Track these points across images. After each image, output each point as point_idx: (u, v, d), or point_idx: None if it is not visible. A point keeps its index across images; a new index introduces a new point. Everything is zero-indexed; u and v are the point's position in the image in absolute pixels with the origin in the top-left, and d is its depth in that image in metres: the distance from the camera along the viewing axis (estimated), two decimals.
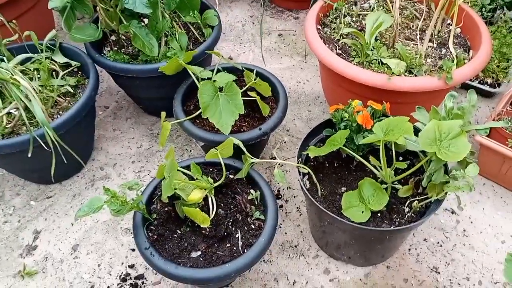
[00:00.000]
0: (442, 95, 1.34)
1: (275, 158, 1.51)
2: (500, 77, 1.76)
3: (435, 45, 1.45)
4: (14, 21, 1.51)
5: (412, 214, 1.14)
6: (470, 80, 1.78)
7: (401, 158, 1.28)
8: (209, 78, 1.32)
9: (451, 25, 1.50)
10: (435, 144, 1.03)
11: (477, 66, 1.30)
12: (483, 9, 1.84)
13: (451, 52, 1.38)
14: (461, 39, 1.49)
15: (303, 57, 2.03)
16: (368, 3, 1.60)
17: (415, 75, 1.31)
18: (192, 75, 1.38)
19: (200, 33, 1.65)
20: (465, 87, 1.81)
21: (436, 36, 1.48)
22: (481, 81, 1.79)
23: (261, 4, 2.33)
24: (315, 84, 1.90)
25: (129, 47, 1.62)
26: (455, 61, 1.33)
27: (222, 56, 1.42)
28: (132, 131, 1.74)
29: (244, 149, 1.16)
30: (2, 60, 1.42)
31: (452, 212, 1.44)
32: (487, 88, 1.76)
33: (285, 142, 1.68)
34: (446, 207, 1.46)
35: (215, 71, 1.39)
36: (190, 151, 1.65)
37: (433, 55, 1.41)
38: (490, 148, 1.37)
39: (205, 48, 1.51)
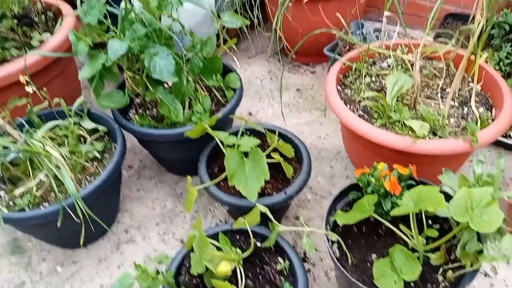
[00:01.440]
0: (467, 155, 1.33)
1: (298, 218, 1.50)
2: None
3: (456, 104, 1.46)
4: (44, 88, 1.58)
5: (447, 284, 1.11)
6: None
7: (430, 222, 1.26)
8: (234, 145, 1.34)
9: (472, 83, 1.52)
10: (467, 214, 1.01)
11: (501, 127, 1.30)
12: (501, 63, 1.86)
13: (473, 111, 1.38)
14: (482, 97, 1.50)
15: (322, 111, 2.06)
16: (387, 62, 1.63)
17: (439, 137, 1.31)
18: (217, 140, 1.40)
19: (222, 94, 1.69)
20: (501, 145, 1.80)
21: (457, 95, 1.49)
22: (505, 135, 1.77)
23: (279, 60, 2.39)
24: (335, 139, 1.91)
25: (153, 109, 1.67)
26: (479, 121, 1.33)
27: (246, 121, 1.45)
28: (156, 191, 1.75)
29: (271, 217, 1.16)
30: (33, 126, 1.48)
31: (485, 275, 1.40)
32: (510, 141, 1.75)
33: (308, 201, 1.67)
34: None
35: (239, 134, 1.41)
36: (214, 211, 1.65)
37: (456, 114, 1.41)
38: None
39: (228, 111, 1.55)
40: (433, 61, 1.57)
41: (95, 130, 1.57)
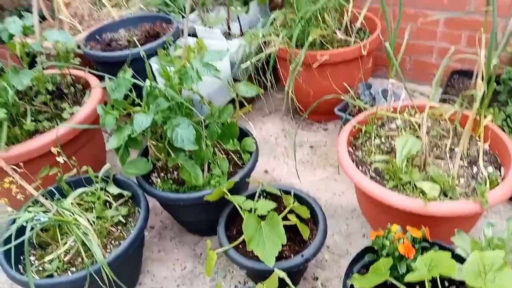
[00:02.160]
0: (480, 215, 1.36)
1: (317, 279, 1.53)
2: None
3: (466, 164, 1.51)
4: (73, 157, 1.69)
5: None
6: None
7: (447, 284, 1.28)
8: (251, 209, 1.40)
9: (479, 142, 1.58)
10: (480, 278, 1.03)
11: (511, 187, 1.34)
12: (508, 119, 1.92)
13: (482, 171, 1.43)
14: (490, 156, 1.55)
15: (336, 168, 2.12)
16: (395, 123, 1.71)
17: (450, 198, 1.36)
18: (235, 203, 1.47)
19: (239, 157, 1.78)
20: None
21: (465, 155, 1.54)
22: None
23: (292, 118, 2.49)
24: (350, 196, 1.96)
25: (174, 172, 1.75)
26: (487, 182, 1.38)
27: (262, 184, 1.52)
28: (176, 252, 1.81)
29: (289, 282, 1.20)
30: (62, 193, 1.57)
31: None
32: None
33: (326, 260, 1.69)
34: None
35: (256, 197, 1.48)
36: (233, 272, 1.69)
37: (465, 174, 1.46)
38: None
39: (244, 174, 1.62)
40: (441, 121, 1.64)
41: (120, 195, 1.65)
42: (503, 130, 1.89)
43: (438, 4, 2.29)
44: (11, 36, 1.68)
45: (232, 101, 1.90)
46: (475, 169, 1.48)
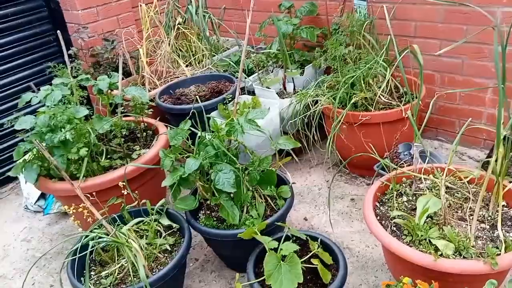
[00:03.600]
0: (494, 277, 1.40)
1: None
2: None
3: (488, 227, 1.56)
4: (136, 191, 2.00)
5: None
6: None
7: None
8: (276, 248, 1.57)
9: (505, 207, 1.62)
10: None
11: None
12: None
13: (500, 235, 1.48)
14: None
15: None
16: (424, 183, 1.80)
17: (464, 257, 1.42)
18: (264, 243, 1.65)
19: (275, 202, 1.97)
20: None
21: (489, 218, 1.59)
22: None
23: (333, 175, 2.64)
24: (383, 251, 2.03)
25: (218, 212, 1.99)
26: (503, 245, 1.42)
27: (289, 228, 1.69)
28: (214, 284, 2.00)
29: None
30: (123, 221, 1.87)
31: None
32: None
33: None
34: None
35: (282, 239, 1.65)
36: None
37: (485, 237, 1.51)
38: None
39: (276, 219, 1.81)
40: (463, 183, 1.71)
41: (170, 227, 1.92)
42: None
43: (487, 72, 2.38)
44: (100, 91, 2.10)
45: (280, 152, 2.13)
46: (496, 232, 1.52)
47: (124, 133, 2.19)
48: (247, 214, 1.89)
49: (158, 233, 1.89)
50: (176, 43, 3.07)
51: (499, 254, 1.38)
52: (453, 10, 2.36)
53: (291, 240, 1.69)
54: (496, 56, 1.42)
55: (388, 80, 2.33)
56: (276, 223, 1.79)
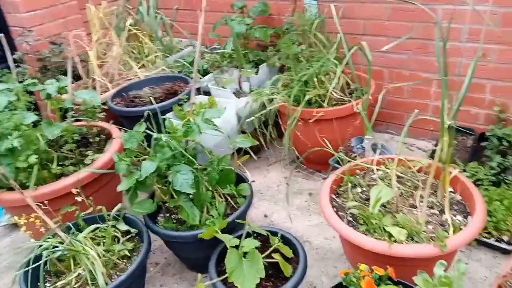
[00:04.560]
0: (444, 258, 1.48)
1: None
2: None
3: (437, 212, 1.65)
4: (91, 197, 1.94)
5: None
6: (487, 237, 1.89)
7: None
8: (237, 245, 1.58)
9: (452, 193, 1.72)
10: None
11: (471, 233, 1.47)
12: (489, 173, 2.04)
13: (448, 219, 1.56)
14: (461, 205, 1.68)
15: None
16: (377, 174, 1.87)
17: (416, 242, 1.49)
18: (225, 241, 1.65)
19: (236, 201, 1.98)
20: (483, 244, 1.91)
21: (438, 203, 1.68)
22: (498, 239, 1.89)
23: (295, 167, 2.69)
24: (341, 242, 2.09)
25: (178, 214, 1.97)
26: (451, 228, 1.51)
27: (250, 225, 1.71)
28: (176, 286, 1.98)
29: None
30: (78, 229, 1.81)
31: None
32: (504, 245, 1.85)
33: None
34: None
35: (243, 236, 1.66)
36: None
37: (435, 221, 1.60)
38: None
39: (236, 217, 1.82)
40: (419, 173, 1.79)
41: (128, 232, 1.87)
42: (493, 184, 2.02)
43: (431, 66, 2.50)
44: (49, 96, 2.02)
45: (238, 151, 2.14)
46: (444, 216, 1.61)
47: (76, 138, 2.12)
48: (207, 214, 1.89)
49: (116, 239, 1.84)
50: (128, 44, 3.01)
51: (448, 236, 1.46)
52: (399, 8, 2.47)
53: (252, 237, 1.70)
54: (438, 50, 1.51)
55: (339, 76, 2.40)
56: (236, 220, 1.80)
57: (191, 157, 1.78)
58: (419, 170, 1.81)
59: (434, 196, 1.71)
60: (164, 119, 2.04)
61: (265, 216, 2.37)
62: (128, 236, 1.86)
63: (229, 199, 1.99)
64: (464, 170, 2.09)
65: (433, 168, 1.60)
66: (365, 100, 2.13)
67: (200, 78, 2.80)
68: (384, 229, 1.55)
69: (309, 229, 2.21)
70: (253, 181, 2.63)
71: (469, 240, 1.46)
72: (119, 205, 1.90)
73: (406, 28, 2.48)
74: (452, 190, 1.75)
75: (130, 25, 2.96)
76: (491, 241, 1.88)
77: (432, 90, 2.61)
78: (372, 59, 2.22)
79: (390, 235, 1.52)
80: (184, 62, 2.96)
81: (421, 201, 1.64)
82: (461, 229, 1.52)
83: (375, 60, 2.66)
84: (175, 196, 1.84)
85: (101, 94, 2.74)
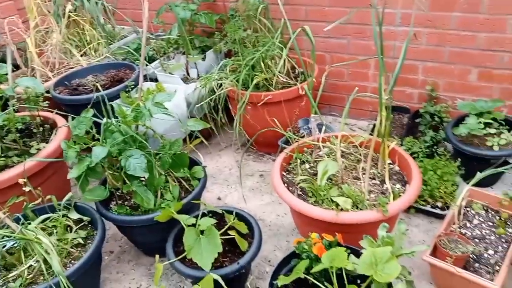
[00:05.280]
0: (386, 222, 1.62)
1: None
2: (448, 201, 2.05)
3: (378, 182, 1.78)
4: (39, 188, 1.89)
5: None
6: (423, 205, 2.07)
7: (359, 281, 1.50)
8: (194, 224, 1.62)
9: (391, 164, 1.87)
10: (372, 268, 1.28)
11: (409, 199, 1.61)
12: (423, 146, 2.23)
13: (388, 188, 1.71)
14: (399, 175, 1.83)
15: None
16: (323, 151, 1.98)
17: (360, 209, 1.62)
18: (181, 222, 1.68)
19: (189, 184, 2.01)
20: (421, 211, 2.10)
21: (379, 174, 1.82)
22: (433, 206, 2.07)
23: (245, 151, 2.76)
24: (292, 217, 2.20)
25: (131, 200, 1.97)
26: (391, 195, 1.65)
27: (205, 204, 1.75)
28: (133, 272, 1.99)
29: (223, 283, 1.41)
30: (28, 220, 1.76)
31: None
32: (438, 211, 2.04)
33: (267, 272, 1.90)
34: None
35: (199, 216, 1.70)
36: (183, 287, 1.87)
37: (376, 190, 1.73)
38: (435, 266, 1.60)
39: (192, 197, 1.86)
40: (354, 147, 1.92)
41: (80, 220, 1.85)
42: (427, 156, 2.20)
43: (369, 50, 2.66)
44: None
45: (190, 136, 2.17)
46: (385, 186, 1.75)
47: (19, 127, 2.03)
48: (161, 198, 1.91)
49: (69, 228, 1.81)
50: (68, 32, 2.90)
51: (388, 202, 1.60)
52: None
53: (207, 217, 1.75)
54: (375, 33, 1.63)
55: (285, 61, 2.49)
56: (192, 201, 1.83)
57: (143, 141, 1.78)
58: (361, 145, 1.94)
59: (375, 168, 1.85)
60: (112, 106, 2.01)
61: (219, 199, 2.42)
62: (81, 224, 1.83)
63: (183, 182, 2.02)
64: (402, 144, 2.27)
65: (373, 142, 1.73)
66: (310, 82, 2.23)
67: (147, 65, 2.77)
68: (331, 199, 1.66)
69: (262, 208, 2.30)
70: (205, 166, 2.67)
71: (407, 205, 1.61)
72: (69, 194, 1.87)
73: (345, 13, 2.61)
74: (391, 162, 1.90)
75: (69, 12, 2.85)
76: (427, 208, 2.06)
77: (370, 73, 2.78)
78: (314, 44, 2.32)
79: (337, 205, 1.64)
80: (129, 49, 2.91)
81: (364, 173, 1.77)
82: (400, 195, 1.66)
83: (317, 45, 2.77)
84: (127, 182, 1.84)
85: (42, 83, 2.63)
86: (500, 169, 1.75)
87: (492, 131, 2.11)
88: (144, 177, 2.00)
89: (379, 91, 1.64)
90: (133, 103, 2.20)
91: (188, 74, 2.83)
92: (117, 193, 2.01)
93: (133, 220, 1.79)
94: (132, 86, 2.46)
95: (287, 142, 2.38)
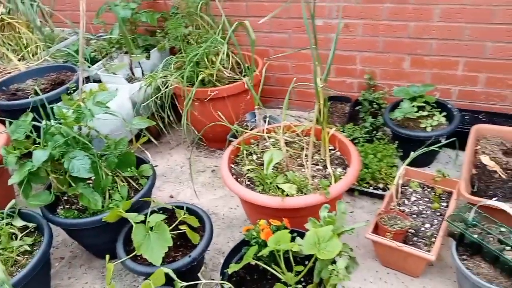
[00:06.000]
0: (329, 203, 1.70)
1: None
2: (388, 182, 2.18)
3: (321, 167, 1.87)
4: None
5: None
6: (366, 187, 2.19)
7: (307, 262, 1.57)
8: (144, 221, 1.63)
9: (332, 150, 1.96)
10: (315, 247, 1.34)
11: (349, 180, 1.71)
12: (362, 131, 2.35)
13: (330, 172, 1.79)
14: (341, 160, 1.93)
15: None
16: (269, 141, 2.04)
17: (305, 194, 1.69)
18: (131, 220, 1.68)
19: (138, 183, 2.00)
20: (364, 193, 2.21)
21: (322, 160, 1.90)
22: (375, 187, 2.19)
23: (196, 148, 2.77)
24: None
25: (79, 203, 1.93)
26: (333, 179, 1.73)
27: (153, 201, 1.76)
28: (85, 276, 1.96)
29: (174, 276, 1.43)
30: None
31: None
32: (380, 192, 2.16)
33: (221, 264, 1.93)
34: None
35: (149, 213, 1.71)
36: (138, 287, 1.87)
37: (320, 175, 1.82)
38: (376, 242, 1.70)
39: (141, 196, 1.86)
40: (297, 135, 2.00)
41: (26, 227, 1.80)
42: (367, 141, 2.32)
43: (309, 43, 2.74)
44: None
45: (138, 136, 2.16)
46: (327, 170, 1.84)
47: None
48: (110, 199, 1.89)
49: (14, 236, 1.76)
50: (3, 35, 2.78)
51: (330, 185, 1.68)
52: None
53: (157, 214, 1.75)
54: (307, 26, 1.70)
55: (229, 56, 2.53)
56: (141, 199, 1.83)
57: (86, 142, 1.76)
58: (304, 134, 2.02)
59: (318, 154, 1.93)
60: (52, 109, 1.96)
61: (171, 197, 2.42)
62: (26, 231, 1.78)
63: (132, 182, 2.01)
64: (343, 131, 2.37)
65: (312, 129, 1.81)
66: (250, 76, 2.28)
67: (89, 67, 2.72)
68: (278, 187, 1.73)
69: (215, 202, 2.33)
70: (156, 166, 2.67)
71: (348, 186, 1.70)
72: (13, 201, 1.82)
73: (284, 8, 2.69)
74: (333, 147, 1.99)
75: (2, 14, 2.74)
76: (370, 190, 2.18)
77: (311, 65, 2.87)
78: (257, 39, 2.37)
79: (283, 191, 1.70)
80: (69, 51, 2.84)
81: (307, 160, 1.84)
82: (341, 178, 1.75)
83: (260, 40, 2.84)
84: (73, 184, 1.81)
85: None
86: (431, 148, 1.88)
87: (425, 113, 2.26)
88: (91, 179, 1.98)
89: (314, 81, 1.72)
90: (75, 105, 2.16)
91: (133, 73, 2.80)
92: (64, 198, 1.97)
93: (81, 223, 1.77)
94: (74, 88, 2.40)
95: (234, 136, 2.43)
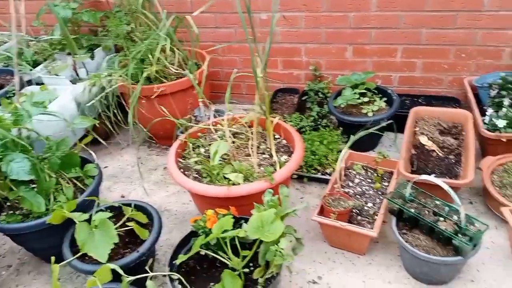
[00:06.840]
0: (275, 189, 1.74)
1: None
2: (334, 167, 2.25)
3: (268, 156, 1.91)
4: None
5: None
6: (315, 173, 2.25)
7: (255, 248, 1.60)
8: (88, 220, 1.60)
9: (278, 139, 2.01)
10: (259, 231, 1.38)
11: (292, 166, 1.76)
12: (309, 119, 2.42)
13: (275, 160, 1.83)
14: (286, 147, 1.97)
15: None
16: (216, 134, 2.06)
17: (251, 182, 1.72)
18: (75, 220, 1.65)
19: (84, 184, 1.97)
20: (313, 180, 2.27)
21: (268, 149, 1.94)
22: (323, 173, 2.26)
23: (148, 147, 2.75)
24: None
25: (23, 208, 1.88)
26: (278, 166, 1.78)
27: (98, 199, 1.74)
28: (35, 282, 1.90)
29: (121, 271, 1.42)
30: None
31: (314, 282, 1.75)
32: (327, 177, 2.23)
33: None
34: (308, 280, 1.76)
35: (94, 212, 1.68)
36: None
37: (266, 163, 1.85)
38: (322, 223, 1.76)
39: (87, 195, 1.83)
40: (243, 126, 2.03)
41: None
42: (313, 129, 2.38)
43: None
44: None
45: (84, 136, 2.11)
46: (274, 158, 1.88)
47: None
48: (55, 201, 1.85)
49: None
50: None
51: (274, 171, 1.72)
52: None
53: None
54: (243, 20, 1.73)
55: (174, 52, 2.53)
56: (87, 198, 1.80)
57: (25, 144, 1.71)
58: (250, 125, 2.05)
59: (264, 143, 1.97)
60: None
61: (122, 196, 2.39)
62: None
63: (78, 183, 1.97)
64: (291, 121, 2.43)
65: (255, 119, 1.85)
66: (193, 72, 2.30)
67: (31, 70, 2.64)
68: (225, 177, 1.75)
69: (167, 198, 2.32)
70: (106, 167, 2.63)
71: (292, 171, 1.75)
72: None
73: (227, 3, 2.71)
74: (279, 136, 2.03)
75: None
76: (318, 175, 2.24)
77: (259, 59, 2.91)
78: (203, 34, 2.39)
79: (230, 181, 1.73)
80: (9, 54, 2.74)
81: (253, 149, 1.88)
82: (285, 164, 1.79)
83: (207, 36, 2.85)
84: (14, 188, 1.75)
85: None
86: (370, 130, 1.96)
87: (366, 99, 2.35)
88: (34, 183, 1.93)
89: (254, 71, 1.75)
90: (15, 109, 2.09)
91: (77, 74, 2.74)
92: (8, 204, 1.90)
93: (24, 227, 1.72)
94: (14, 92, 2.32)
95: (183, 131, 2.43)
